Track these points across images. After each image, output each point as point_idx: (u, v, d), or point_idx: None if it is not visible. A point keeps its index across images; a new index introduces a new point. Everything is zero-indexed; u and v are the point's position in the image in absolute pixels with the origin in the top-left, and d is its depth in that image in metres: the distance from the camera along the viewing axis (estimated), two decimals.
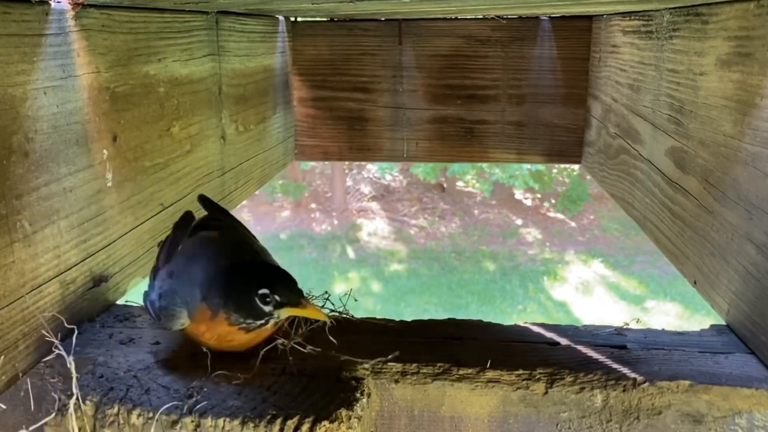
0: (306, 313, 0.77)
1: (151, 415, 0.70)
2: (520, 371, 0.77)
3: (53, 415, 0.71)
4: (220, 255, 0.82)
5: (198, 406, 0.70)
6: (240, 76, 1.48)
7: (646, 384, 0.74)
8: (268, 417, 0.69)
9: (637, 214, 1.40)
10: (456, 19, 1.89)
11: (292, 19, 1.89)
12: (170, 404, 0.70)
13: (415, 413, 0.77)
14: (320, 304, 0.90)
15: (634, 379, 0.75)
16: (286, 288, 0.75)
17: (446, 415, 0.77)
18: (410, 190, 12.38)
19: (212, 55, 1.31)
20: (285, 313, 0.76)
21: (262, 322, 0.75)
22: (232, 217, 0.95)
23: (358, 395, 0.73)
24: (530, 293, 9.25)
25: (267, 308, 0.75)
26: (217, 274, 0.77)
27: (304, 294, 0.77)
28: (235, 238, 0.88)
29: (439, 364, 0.78)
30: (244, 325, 0.75)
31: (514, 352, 0.82)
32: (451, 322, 0.90)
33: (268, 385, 0.75)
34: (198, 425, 0.69)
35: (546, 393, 0.75)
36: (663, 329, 0.89)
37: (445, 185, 12.36)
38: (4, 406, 0.72)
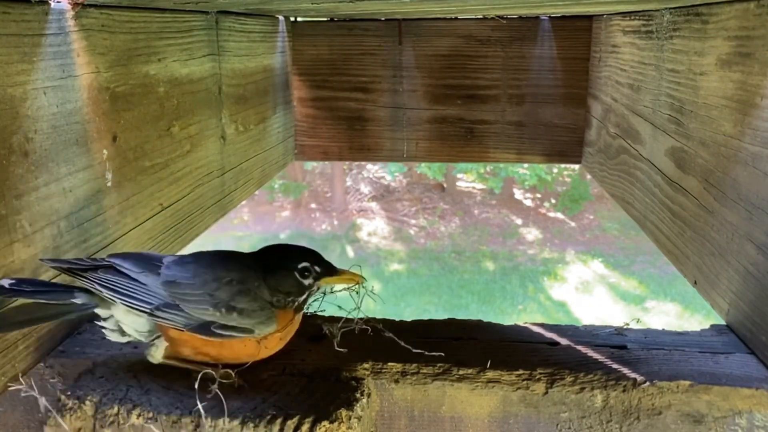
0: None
1: (151, 415, 0.70)
2: (520, 371, 0.77)
3: (53, 415, 0.71)
4: None
5: (198, 406, 0.70)
6: (240, 76, 1.48)
7: (647, 384, 0.74)
8: (268, 417, 0.69)
9: (637, 214, 1.40)
10: (456, 19, 1.89)
11: (292, 19, 1.89)
12: (170, 404, 0.70)
13: (415, 413, 0.77)
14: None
15: (635, 379, 0.75)
16: None
17: (446, 416, 0.77)
18: (410, 190, 12.38)
19: (212, 55, 1.31)
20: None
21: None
22: None
23: (358, 395, 0.73)
24: (530, 293, 9.26)
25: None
26: None
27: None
28: None
29: (439, 364, 0.78)
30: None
31: (514, 352, 0.82)
32: (451, 322, 0.90)
33: (268, 385, 0.74)
34: (198, 425, 0.69)
35: (546, 393, 0.75)
36: (663, 329, 0.89)
37: (445, 185, 12.35)
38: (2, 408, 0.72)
